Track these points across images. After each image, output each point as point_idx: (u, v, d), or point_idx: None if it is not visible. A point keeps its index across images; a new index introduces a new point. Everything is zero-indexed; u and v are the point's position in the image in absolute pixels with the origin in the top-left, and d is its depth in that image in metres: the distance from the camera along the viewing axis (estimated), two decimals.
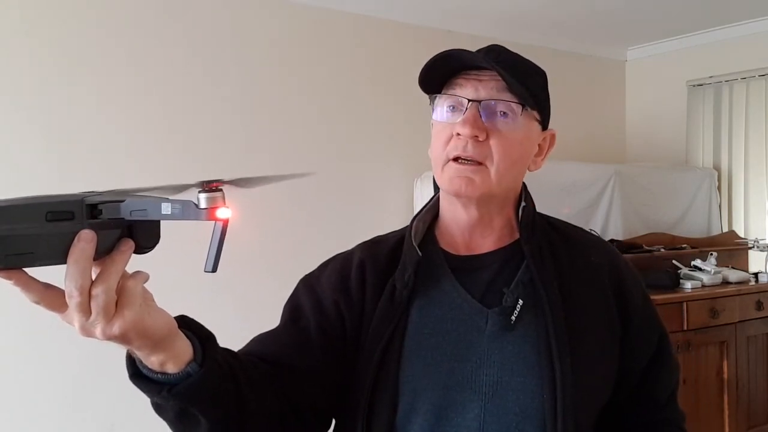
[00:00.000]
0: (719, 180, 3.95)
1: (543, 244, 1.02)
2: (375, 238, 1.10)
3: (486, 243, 1.03)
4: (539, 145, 1.03)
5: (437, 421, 0.93)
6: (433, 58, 0.96)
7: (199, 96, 2.87)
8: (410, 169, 3.32)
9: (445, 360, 0.95)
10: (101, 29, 2.67)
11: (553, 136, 1.05)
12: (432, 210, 1.08)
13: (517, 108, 0.95)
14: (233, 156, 2.93)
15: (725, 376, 3.10)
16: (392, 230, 1.12)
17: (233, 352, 0.90)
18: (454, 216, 1.03)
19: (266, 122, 3.04)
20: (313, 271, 1.08)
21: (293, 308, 1.04)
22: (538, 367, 0.93)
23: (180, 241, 2.64)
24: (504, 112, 0.95)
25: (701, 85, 4.03)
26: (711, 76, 3.97)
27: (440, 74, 0.98)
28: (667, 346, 1.10)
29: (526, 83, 0.96)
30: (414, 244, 1.02)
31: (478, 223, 1.02)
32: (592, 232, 2.31)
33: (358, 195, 3.29)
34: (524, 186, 1.07)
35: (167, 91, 2.80)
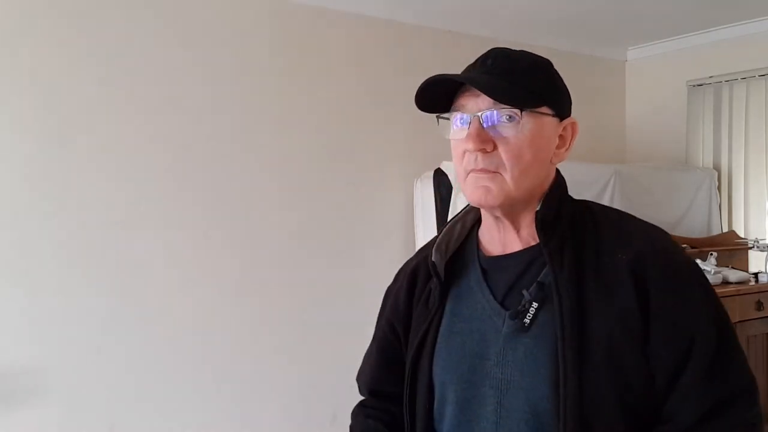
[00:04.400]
0: (719, 180, 3.94)
1: (565, 245, 0.99)
2: (431, 239, 1.16)
3: (518, 242, 1.05)
4: (561, 135, 1.03)
5: (462, 412, 1.03)
6: (420, 87, 0.99)
7: (196, 96, 2.87)
8: (410, 170, 3.32)
9: (468, 357, 1.03)
10: (101, 26, 2.66)
11: (573, 124, 1.05)
12: (474, 210, 1.12)
13: (518, 111, 0.95)
14: (231, 156, 2.93)
15: None
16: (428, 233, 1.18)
17: None
18: (486, 219, 1.08)
19: (265, 122, 3.04)
20: (390, 284, 1.23)
21: (377, 324, 1.23)
22: (545, 369, 0.95)
23: (188, 242, 2.64)
24: (509, 116, 0.96)
25: (701, 85, 4.03)
26: (711, 76, 3.97)
27: (439, 95, 1.01)
28: (703, 356, 0.93)
29: (525, 83, 0.96)
30: (432, 250, 1.09)
31: (507, 224, 1.04)
32: None
33: (358, 195, 3.28)
34: (553, 185, 1.04)
35: (163, 91, 2.79)
